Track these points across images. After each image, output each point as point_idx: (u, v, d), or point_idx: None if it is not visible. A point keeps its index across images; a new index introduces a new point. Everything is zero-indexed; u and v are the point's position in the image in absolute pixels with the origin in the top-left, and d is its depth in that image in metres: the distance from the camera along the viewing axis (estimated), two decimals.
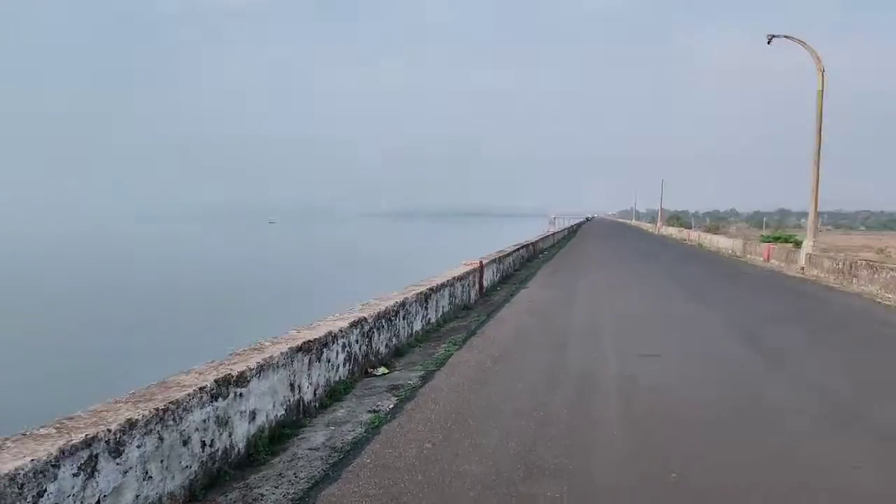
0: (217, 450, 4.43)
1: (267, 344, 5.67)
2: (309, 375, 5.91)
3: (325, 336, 6.31)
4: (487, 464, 4.49)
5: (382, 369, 7.60)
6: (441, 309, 11.21)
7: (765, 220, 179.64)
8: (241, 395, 4.75)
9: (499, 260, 18.14)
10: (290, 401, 5.54)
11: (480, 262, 14.99)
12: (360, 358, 7.31)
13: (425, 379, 7.04)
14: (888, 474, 4.47)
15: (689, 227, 77.56)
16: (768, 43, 22.57)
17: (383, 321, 8.12)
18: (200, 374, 4.62)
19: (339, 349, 6.69)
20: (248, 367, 4.88)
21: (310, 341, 5.95)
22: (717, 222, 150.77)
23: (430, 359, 8.18)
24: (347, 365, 6.91)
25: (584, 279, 18.51)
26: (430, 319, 10.42)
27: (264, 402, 5.11)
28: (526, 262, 25.33)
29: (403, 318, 9.00)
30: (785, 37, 22.41)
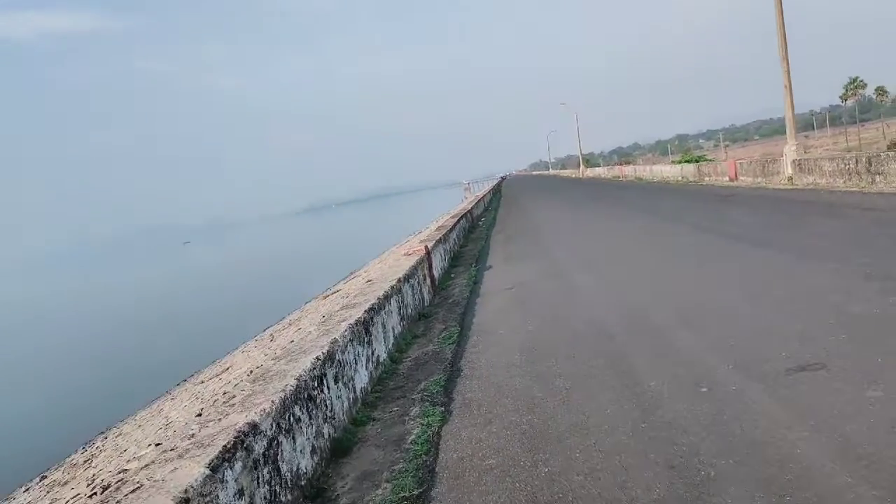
0: None
1: None
2: None
3: None
4: None
5: None
6: (392, 333, 7.28)
7: (668, 146, 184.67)
8: None
9: (443, 239, 14.28)
10: None
11: (426, 248, 11.08)
12: None
13: None
14: None
15: (599, 167, 77.00)
16: None
17: (298, 408, 4.13)
18: None
19: None
20: None
21: None
22: (625, 157, 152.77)
23: (402, 455, 4.29)
24: None
25: (553, 242, 14.93)
26: (378, 357, 6.48)
27: None
28: (468, 233, 21.64)
29: (335, 382, 5.02)
30: None
